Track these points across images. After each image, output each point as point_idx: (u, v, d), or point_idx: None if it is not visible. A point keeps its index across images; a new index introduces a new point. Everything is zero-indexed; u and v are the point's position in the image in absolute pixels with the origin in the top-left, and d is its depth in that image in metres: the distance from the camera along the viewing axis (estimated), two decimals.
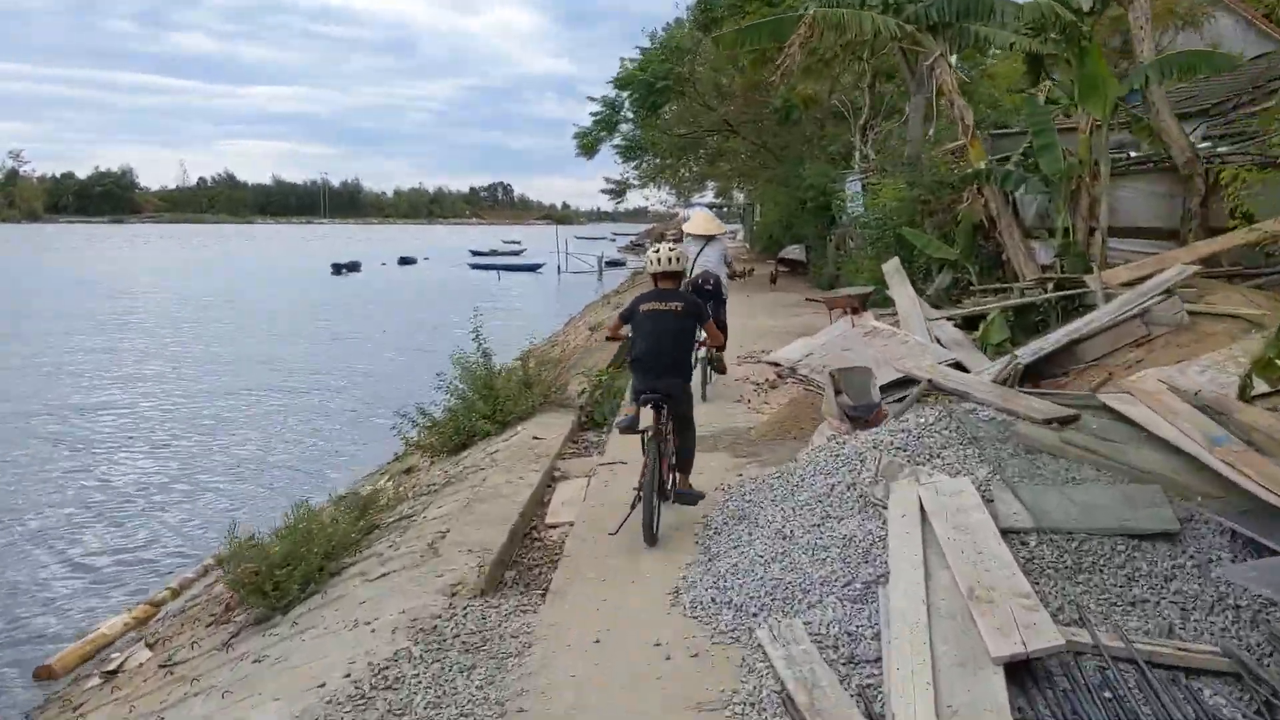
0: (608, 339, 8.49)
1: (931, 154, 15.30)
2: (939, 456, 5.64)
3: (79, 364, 24.40)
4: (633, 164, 30.03)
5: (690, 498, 6.58)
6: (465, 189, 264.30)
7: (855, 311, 15.98)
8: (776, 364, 12.39)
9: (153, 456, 15.77)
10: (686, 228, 13.31)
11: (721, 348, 8.36)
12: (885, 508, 5.24)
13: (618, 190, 32.72)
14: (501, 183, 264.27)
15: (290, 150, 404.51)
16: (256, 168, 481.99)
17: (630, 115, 28.88)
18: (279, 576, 5.94)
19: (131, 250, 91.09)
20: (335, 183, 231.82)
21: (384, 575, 5.87)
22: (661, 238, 58.61)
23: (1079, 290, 11.19)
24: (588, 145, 29.40)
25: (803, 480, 6.19)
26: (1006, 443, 5.80)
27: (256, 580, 5.95)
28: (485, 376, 10.55)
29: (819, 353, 11.62)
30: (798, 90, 25.37)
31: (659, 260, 6.90)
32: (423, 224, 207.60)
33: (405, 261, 74.09)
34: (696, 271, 11.32)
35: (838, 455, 6.22)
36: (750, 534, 5.78)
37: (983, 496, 5.09)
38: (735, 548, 5.67)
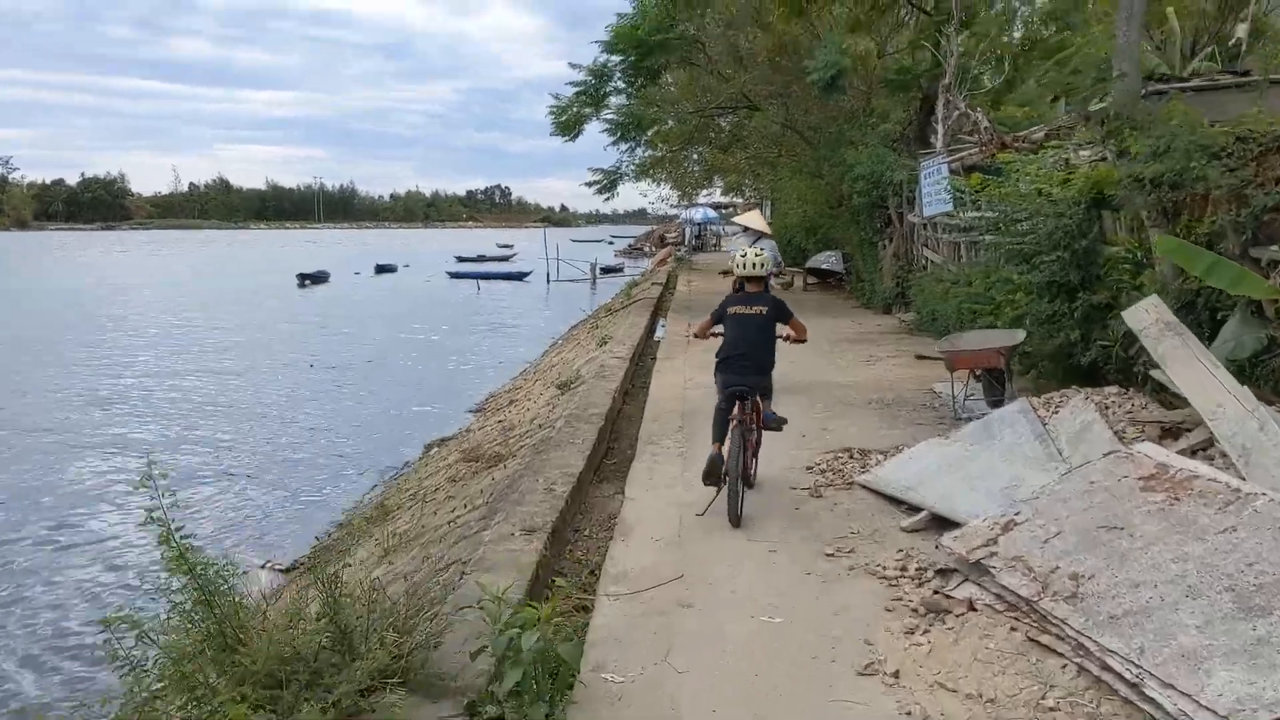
0: (695, 337, 8.20)
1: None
2: None
3: None
4: (625, 146, 23.32)
5: (775, 421, 7.24)
6: (462, 192, 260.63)
7: (994, 372, 9.50)
8: (946, 552, 5.88)
9: None
10: (739, 220, 14.10)
11: (803, 340, 7.53)
12: None
13: (607, 182, 25.63)
14: (499, 185, 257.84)
15: (286, 155, 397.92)
16: (253, 173, 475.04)
17: (621, 85, 22.32)
18: None
19: (100, 260, 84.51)
20: (330, 186, 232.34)
21: None
22: (662, 240, 53.22)
23: None
24: (567, 124, 22.77)
25: None
26: None
27: None
28: (217, 632, 4.02)
29: (1035, 527, 5.08)
30: (849, 45, 18.84)
31: (746, 265, 7.33)
32: (418, 228, 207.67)
33: (383, 269, 67.29)
34: None
35: None
36: None
37: None
38: None
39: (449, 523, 7.79)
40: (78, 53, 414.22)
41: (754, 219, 13.80)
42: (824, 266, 26.97)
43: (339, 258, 74.37)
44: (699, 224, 49.44)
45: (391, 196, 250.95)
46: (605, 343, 17.68)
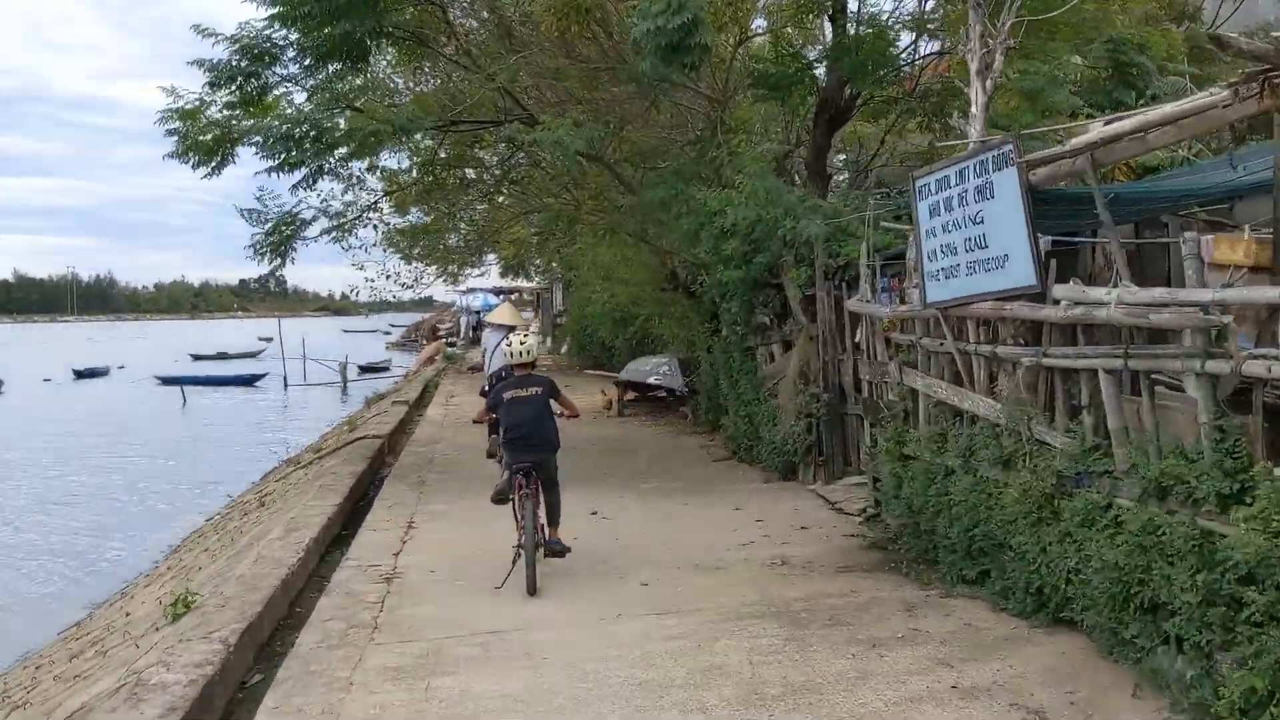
0: (475, 422, 9.63)
1: None
2: None
3: None
4: (298, 180, 12.54)
5: (559, 549, 7.57)
6: (235, 281, 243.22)
7: None
8: None
9: None
10: (488, 317, 14.24)
11: (575, 415, 8.17)
12: None
13: (276, 239, 13.98)
14: (273, 274, 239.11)
15: (43, 244, 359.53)
16: (1, 264, 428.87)
17: (294, 71, 12.21)
18: None
19: None
20: (87, 277, 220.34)
21: None
22: (434, 332, 43.80)
23: None
24: (205, 145, 12.29)
25: None
26: None
27: None
28: None
29: None
30: None
31: (513, 353, 7.91)
32: (184, 319, 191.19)
33: (85, 374, 52.98)
34: (498, 364, 10.60)
35: None
36: None
37: None
38: None
39: None
40: None
41: (501, 315, 11.40)
42: (652, 380, 17.45)
43: (52, 358, 60.51)
44: (477, 312, 39.51)
45: (156, 286, 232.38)
46: (180, 615, 7.17)
